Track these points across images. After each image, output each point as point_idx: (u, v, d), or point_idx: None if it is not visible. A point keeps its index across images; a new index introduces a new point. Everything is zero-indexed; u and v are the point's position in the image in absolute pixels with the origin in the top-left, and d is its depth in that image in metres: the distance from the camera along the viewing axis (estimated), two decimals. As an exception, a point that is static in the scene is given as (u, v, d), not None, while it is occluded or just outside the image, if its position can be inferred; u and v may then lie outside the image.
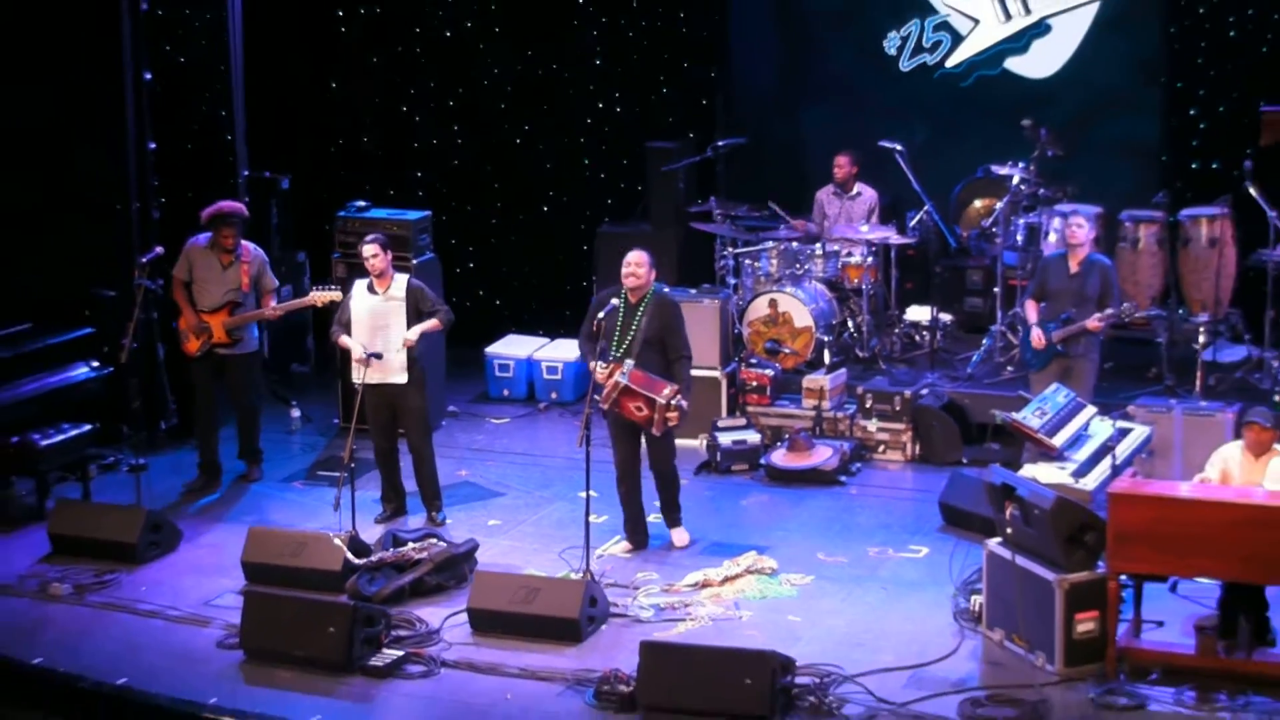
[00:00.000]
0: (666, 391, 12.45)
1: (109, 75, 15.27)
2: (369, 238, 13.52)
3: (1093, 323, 13.75)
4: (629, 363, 12.53)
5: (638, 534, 13.13)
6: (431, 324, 13.44)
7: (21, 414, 13.96)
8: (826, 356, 15.66)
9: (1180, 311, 15.40)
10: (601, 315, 12.68)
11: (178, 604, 12.32)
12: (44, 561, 13.06)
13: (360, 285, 13.52)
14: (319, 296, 14.10)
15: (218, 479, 14.55)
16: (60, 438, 13.99)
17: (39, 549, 13.23)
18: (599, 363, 12.63)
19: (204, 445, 14.57)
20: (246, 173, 16.63)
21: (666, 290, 13.21)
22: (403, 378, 13.38)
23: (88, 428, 14.25)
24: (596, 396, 12.60)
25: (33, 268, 15.30)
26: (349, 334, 13.42)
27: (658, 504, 13.18)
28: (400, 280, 13.50)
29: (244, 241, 14.28)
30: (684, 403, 12.55)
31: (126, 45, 15.29)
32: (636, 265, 12.73)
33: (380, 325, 13.38)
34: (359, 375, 13.25)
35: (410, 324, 13.37)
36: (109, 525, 13.15)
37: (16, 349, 14.29)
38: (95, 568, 12.84)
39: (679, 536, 13.15)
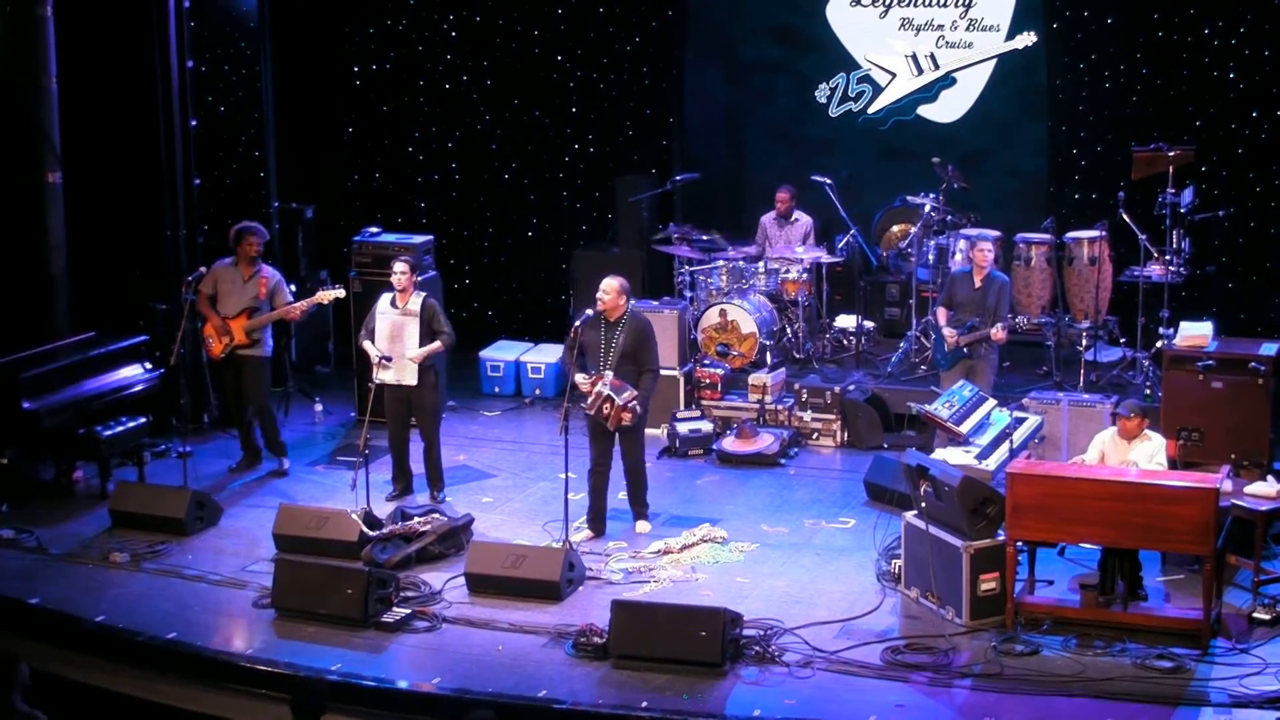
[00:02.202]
0: (625, 395, 12.35)
1: (161, 123, 15.20)
2: (401, 258, 13.55)
3: (997, 334, 13.73)
4: (609, 374, 12.46)
5: (598, 523, 12.87)
6: (435, 346, 13.33)
7: (87, 409, 13.86)
8: (768, 358, 15.63)
9: (1066, 319, 15.40)
10: (579, 324, 12.58)
11: (219, 570, 12.27)
12: (106, 534, 12.97)
13: (385, 299, 13.45)
14: (324, 295, 13.98)
15: (258, 459, 14.47)
16: (119, 429, 13.89)
17: (102, 523, 13.14)
18: (581, 374, 12.55)
19: (241, 433, 14.51)
20: (277, 204, 16.58)
21: (642, 312, 13.03)
22: (415, 380, 13.31)
23: (142, 420, 14.15)
24: (583, 405, 12.50)
25: (97, 285, 15.22)
26: (372, 340, 13.36)
27: (622, 496, 12.97)
28: (418, 297, 13.42)
29: (263, 264, 14.15)
30: (638, 407, 12.40)
31: (175, 97, 15.24)
32: (603, 292, 12.59)
33: (397, 335, 13.33)
34: (379, 376, 13.23)
35: (422, 336, 13.30)
36: (161, 503, 13.06)
37: (83, 354, 14.15)
38: (149, 539, 12.76)
39: (641, 526, 12.85)
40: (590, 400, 12.47)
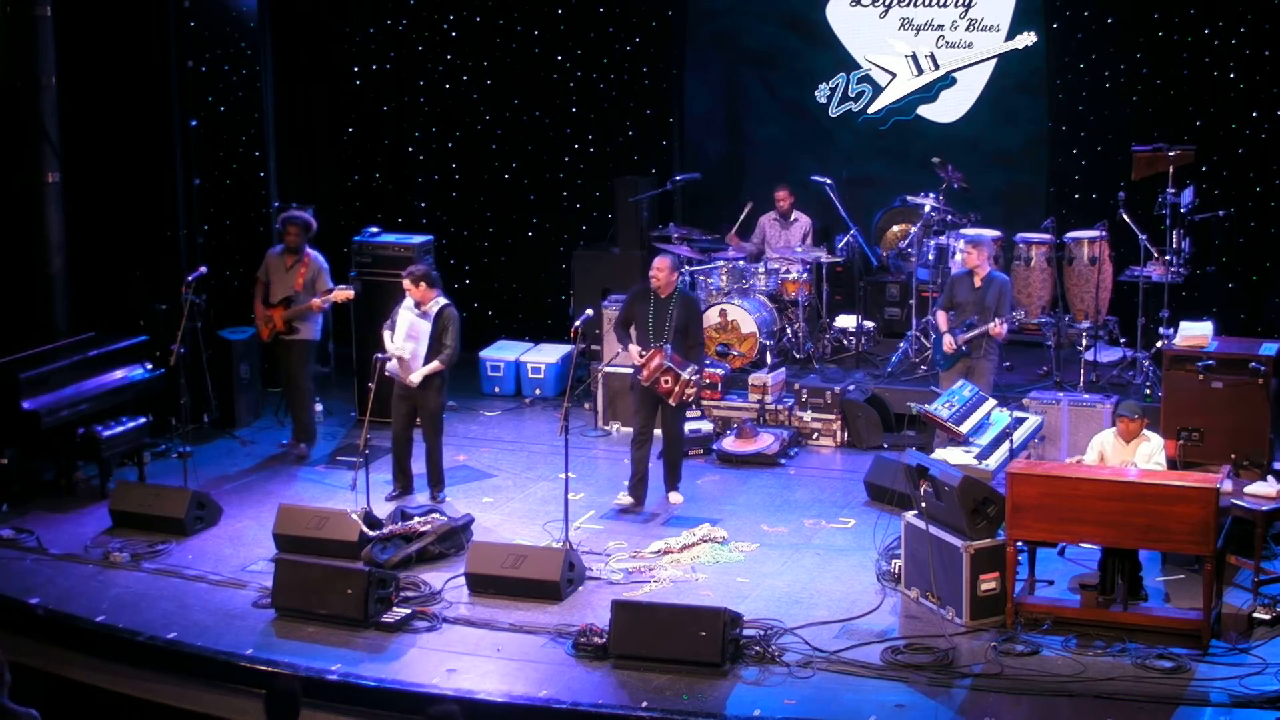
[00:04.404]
0: (690, 370, 12.88)
1: (161, 123, 15.21)
2: (406, 270, 13.59)
3: (995, 329, 13.72)
4: (667, 347, 12.91)
5: (639, 490, 13.26)
6: (434, 366, 13.29)
7: (86, 409, 13.86)
8: (768, 358, 15.63)
9: (1066, 319, 15.41)
10: (578, 324, 12.89)
11: (219, 570, 12.26)
12: (106, 534, 12.96)
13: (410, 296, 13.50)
14: (338, 294, 14.36)
15: (310, 439, 14.85)
16: (120, 429, 13.90)
17: (102, 523, 13.13)
18: (638, 348, 13.05)
19: (292, 414, 14.91)
20: (277, 204, 16.57)
21: (689, 291, 13.50)
22: (420, 383, 13.35)
23: (143, 420, 14.15)
24: (638, 376, 12.98)
25: (97, 285, 15.21)
26: (393, 332, 13.43)
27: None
28: (437, 304, 13.39)
29: (309, 249, 14.57)
30: (702, 382, 13.05)
31: (175, 97, 15.24)
32: (657, 270, 13.18)
33: (414, 335, 13.36)
34: (389, 369, 13.29)
35: (433, 341, 13.28)
36: (161, 503, 13.06)
37: (83, 354, 14.15)
38: (149, 539, 12.76)
39: (674, 497, 13.38)
40: (647, 373, 12.89)
